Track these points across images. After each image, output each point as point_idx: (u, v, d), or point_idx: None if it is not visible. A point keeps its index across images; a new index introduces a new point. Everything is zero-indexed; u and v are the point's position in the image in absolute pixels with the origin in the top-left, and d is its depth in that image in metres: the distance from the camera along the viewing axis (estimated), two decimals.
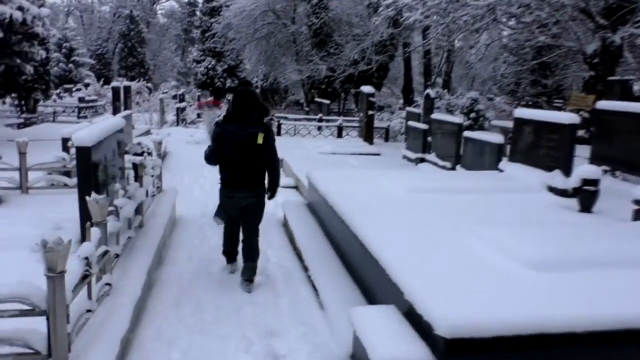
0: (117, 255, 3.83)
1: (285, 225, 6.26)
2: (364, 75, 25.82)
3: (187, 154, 12.77)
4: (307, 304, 3.93)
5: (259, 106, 4.24)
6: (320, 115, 18.39)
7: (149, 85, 29.21)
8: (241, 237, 4.52)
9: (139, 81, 28.72)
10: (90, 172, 3.90)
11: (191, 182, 9.70)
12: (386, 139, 16.12)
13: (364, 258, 3.79)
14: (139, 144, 10.96)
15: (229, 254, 4.68)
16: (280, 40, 27.13)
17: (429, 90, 13.81)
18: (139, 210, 4.79)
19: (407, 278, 3.06)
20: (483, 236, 3.71)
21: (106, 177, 4.60)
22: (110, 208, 3.78)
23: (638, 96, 10.86)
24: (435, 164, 9.91)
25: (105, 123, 4.76)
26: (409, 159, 10.98)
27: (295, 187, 9.28)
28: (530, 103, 23.94)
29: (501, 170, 6.25)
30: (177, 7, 62.97)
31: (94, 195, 3.26)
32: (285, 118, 18.54)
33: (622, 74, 13.72)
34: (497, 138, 7.87)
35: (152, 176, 5.56)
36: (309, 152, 12.28)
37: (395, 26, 24.47)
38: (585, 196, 4.81)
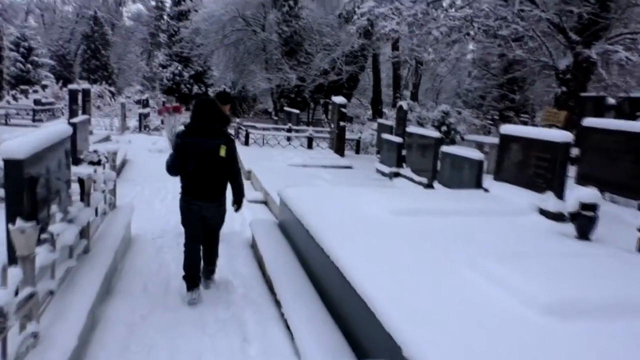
0: (52, 293, 3.17)
1: (253, 247, 5.68)
2: (334, 86, 25.49)
3: (148, 163, 12.00)
4: (281, 353, 3.34)
5: (220, 116, 4.19)
6: (289, 125, 17.86)
7: (112, 89, 28.05)
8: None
9: (100, 84, 27.55)
10: (22, 190, 3.24)
11: (152, 195, 8.97)
12: (357, 151, 15.71)
13: (348, 296, 3.26)
14: (95, 151, 10.17)
15: (191, 278, 4.26)
16: (249, 48, 26.54)
17: (401, 102, 13.48)
18: (84, 234, 4.12)
19: (404, 328, 2.55)
20: (484, 270, 3.24)
21: (48, 193, 3.94)
22: (47, 235, 3.14)
23: (613, 111, 10.78)
24: (410, 179, 9.51)
25: (48, 131, 4.08)
26: (383, 173, 10.56)
27: (264, 202, 8.70)
28: (496, 117, 24.10)
29: (486, 190, 5.85)
30: (144, 10, 61.57)
31: (19, 223, 2.62)
32: (254, 127, 17.92)
33: (593, 90, 13.74)
34: (476, 154, 7.51)
35: (104, 192, 4.89)
36: (278, 164, 11.71)
37: (366, 37, 24.37)
38: (583, 222, 4.42)
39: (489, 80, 25.62)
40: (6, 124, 18.95)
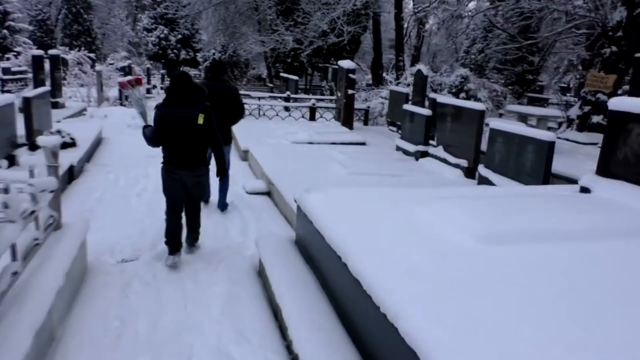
0: None
1: (261, 275, 4.04)
2: (334, 49, 23.38)
3: (126, 142, 10.20)
4: None
5: (197, 87, 4.26)
6: (287, 93, 16.00)
7: (91, 55, 25.74)
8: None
9: (79, 50, 25.23)
10: None
11: (127, 186, 7.23)
12: (365, 122, 13.95)
13: None
14: (58, 131, 8.36)
15: (173, 243, 4.39)
16: (240, 7, 24.19)
17: (420, 66, 11.67)
18: None
19: None
20: None
21: None
22: None
23: None
24: (444, 160, 7.82)
25: None
26: (406, 152, 8.86)
27: (268, 194, 7.02)
28: (514, 81, 22.25)
29: (587, 190, 4.19)
30: None
31: None
32: (248, 96, 16.02)
33: None
34: (544, 134, 5.82)
35: (32, 213, 3.18)
36: (279, 140, 9.98)
37: None
38: None
39: (495, 40, 23.67)
40: None
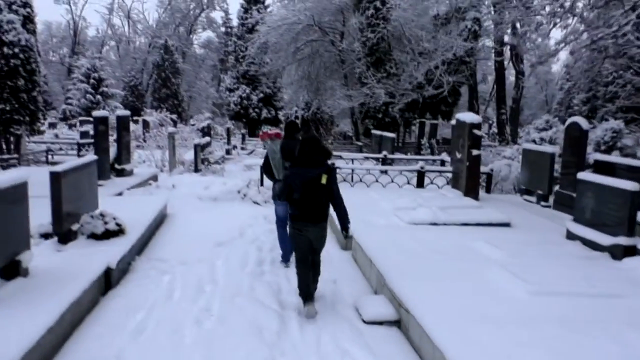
0: None
1: None
2: (431, 102, 20.91)
3: (195, 221, 8.06)
4: None
5: (323, 150, 4.58)
6: (384, 153, 13.54)
7: (173, 116, 25.09)
8: None
9: (161, 112, 24.66)
10: None
11: (184, 300, 4.86)
12: (487, 189, 11.01)
13: None
14: (101, 214, 6.29)
15: (306, 293, 4.64)
16: (326, 61, 22.59)
17: (575, 118, 8.76)
18: None
19: None
20: None
21: None
22: None
23: None
24: None
25: None
26: (591, 244, 5.88)
27: (397, 324, 4.34)
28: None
29: None
30: (214, 37, 60.28)
31: None
32: (339, 157, 13.73)
33: None
34: None
35: None
36: (390, 220, 7.38)
37: (475, 38, 19.71)
38: None
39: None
40: (47, 161, 16.04)
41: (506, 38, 20.34)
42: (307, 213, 4.57)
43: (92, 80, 40.64)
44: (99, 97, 40.14)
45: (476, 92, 25.99)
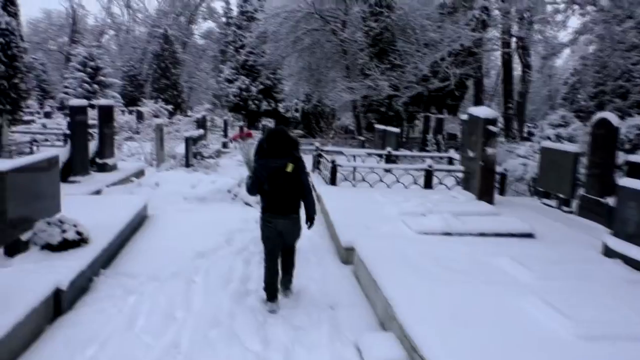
0: None
1: None
2: (437, 95, 19.93)
3: (177, 223, 7.18)
4: None
5: (290, 140, 4.55)
6: (388, 150, 12.62)
7: (168, 107, 24.10)
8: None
9: (156, 102, 23.71)
10: None
11: (147, 332, 3.97)
12: (501, 191, 10.08)
13: None
14: (60, 222, 5.38)
15: (270, 291, 4.55)
16: (327, 52, 21.57)
17: (605, 114, 7.84)
18: None
19: None
20: None
21: None
22: None
23: None
24: None
25: None
26: (634, 264, 4.98)
27: None
28: None
29: None
30: (214, 27, 59.07)
31: None
32: (340, 153, 12.82)
33: None
34: None
35: None
36: (397, 227, 6.51)
37: (484, 28, 18.71)
38: None
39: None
40: (30, 152, 15.14)
41: (514, 30, 19.37)
42: (275, 204, 4.51)
43: (88, 69, 39.59)
44: (95, 86, 39.12)
45: (481, 84, 25.06)
